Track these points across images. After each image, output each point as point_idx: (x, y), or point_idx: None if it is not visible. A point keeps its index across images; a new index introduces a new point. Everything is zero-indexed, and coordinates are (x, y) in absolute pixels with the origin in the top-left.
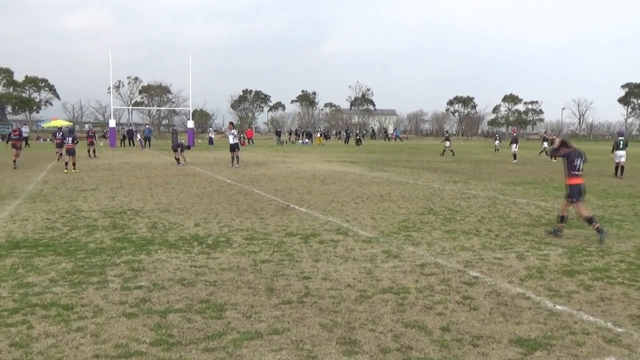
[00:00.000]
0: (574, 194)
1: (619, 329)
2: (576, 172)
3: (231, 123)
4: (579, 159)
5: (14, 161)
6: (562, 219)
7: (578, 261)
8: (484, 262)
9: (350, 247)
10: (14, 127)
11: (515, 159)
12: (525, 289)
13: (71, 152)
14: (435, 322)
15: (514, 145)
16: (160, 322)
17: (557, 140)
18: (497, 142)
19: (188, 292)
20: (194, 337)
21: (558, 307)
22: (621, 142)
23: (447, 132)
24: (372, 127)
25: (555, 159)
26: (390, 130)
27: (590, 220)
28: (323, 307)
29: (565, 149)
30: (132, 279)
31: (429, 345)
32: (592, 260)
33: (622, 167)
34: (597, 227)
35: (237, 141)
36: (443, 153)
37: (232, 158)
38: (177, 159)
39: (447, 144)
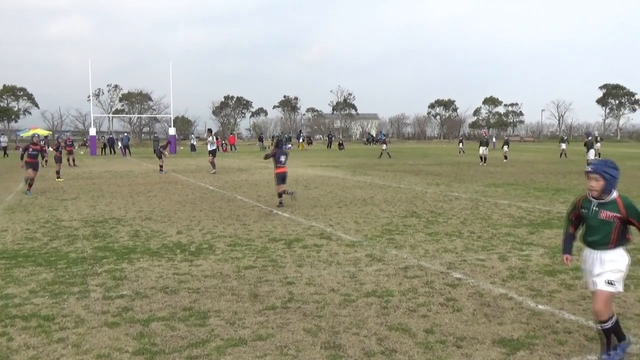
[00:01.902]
0: (279, 179)
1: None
2: (281, 165)
3: (209, 130)
4: (283, 156)
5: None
6: (280, 195)
7: (559, 261)
8: (467, 264)
9: (333, 251)
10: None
11: (483, 161)
12: (507, 290)
13: (58, 160)
14: (419, 324)
15: (484, 148)
16: (143, 331)
17: (273, 147)
18: (460, 144)
19: (171, 300)
20: (177, 345)
21: (540, 306)
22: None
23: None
24: (369, 133)
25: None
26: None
27: (280, 195)
28: (307, 312)
29: (275, 149)
30: (114, 288)
31: (413, 348)
32: (573, 259)
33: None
34: (287, 192)
35: (214, 147)
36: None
37: (210, 163)
38: (161, 166)
39: (483, 150)
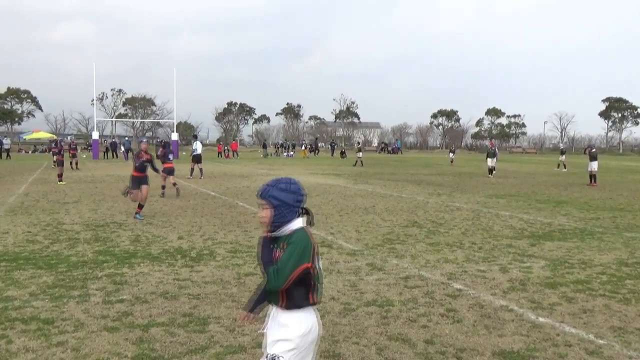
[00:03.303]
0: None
1: (600, 341)
2: (168, 161)
3: (195, 136)
4: (171, 154)
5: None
6: (163, 187)
7: (560, 273)
8: (468, 275)
9: (334, 259)
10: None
11: (491, 173)
12: (508, 301)
13: (60, 164)
14: (419, 334)
15: (492, 159)
16: (143, 336)
17: (161, 149)
18: (451, 154)
19: (171, 306)
20: (176, 351)
21: (541, 319)
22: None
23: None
24: (382, 141)
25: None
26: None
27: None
28: None
29: (164, 150)
30: (114, 292)
31: (412, 358)
32: (574, 272)
33: (594, 176)
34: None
35: (198, 153)
36: (558, 166)
37: (199, 170)
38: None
39: (562, 157)
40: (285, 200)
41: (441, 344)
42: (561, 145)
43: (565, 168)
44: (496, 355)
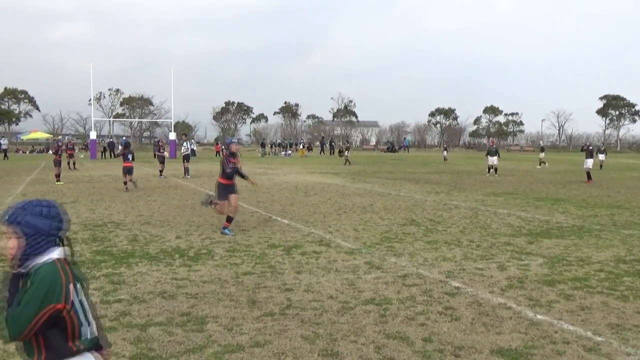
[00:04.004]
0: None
1: (598, 338)
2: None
3: (184, 134)
4: (130, 154)
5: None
6: (125, 182)
7: (558, 271)
8: (466, 273)
9: (332, 258)
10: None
11: (494, 171)
12: (506, 299)
13: (58, 165)
14: (417, 333)
15: (493, 157)
16: (140, 335)
17: (122, 148)
18: (445, 152)
19: (169, 305)
20: (174, 351)
21: (539, 316)
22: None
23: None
24: (390, 141)
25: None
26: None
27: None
28: (305, 319)
29: (124, 150)
30: (111, 292)
31: (411, 356)
32: (572, 269)
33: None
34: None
35: (187, 152)
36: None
37: (185, 168)
38: (161, 171)
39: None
40: (41, 227)
41: (439, 342)
42: (541, 143)
43: (543, 164)
44: (494, 352)
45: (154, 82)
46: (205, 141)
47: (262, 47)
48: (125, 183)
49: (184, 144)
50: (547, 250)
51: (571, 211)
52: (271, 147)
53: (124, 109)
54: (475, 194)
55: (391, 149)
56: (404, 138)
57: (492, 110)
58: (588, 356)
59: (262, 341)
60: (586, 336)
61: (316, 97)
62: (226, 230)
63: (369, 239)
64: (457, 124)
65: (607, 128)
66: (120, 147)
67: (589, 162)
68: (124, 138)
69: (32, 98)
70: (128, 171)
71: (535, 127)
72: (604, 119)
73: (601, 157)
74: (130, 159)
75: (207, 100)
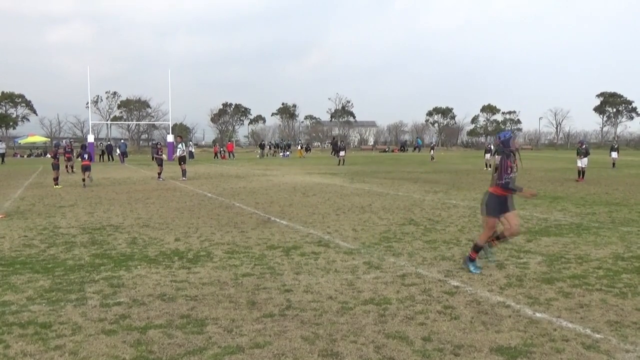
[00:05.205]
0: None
1: (597, 335)
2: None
3: (179, 136)
4: (86, 154)
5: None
6: (83, 179)
7: (557, 269)
8: (465, 272)
9: (331, 259)
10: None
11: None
12: (505, 298)
13: (56, 167)
14: (417, 332)
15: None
16: (140, 338)
17: (80, 149)
18: (432, 151)
19: (168, 308)
20: (174, 353)
21: (538, 314)
22: (582, 150)
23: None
24: (403, 140)
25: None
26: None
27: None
28: (305, 320)
29: (81, 150)
30: (111, 295)
31: (410, 356)
32: (571, 267)
33: (583, 172)
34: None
35: (183, 154)
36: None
37: (182, 170)
38: (159, 173)
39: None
40: None
41: (439, 341)
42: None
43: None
44: (494, 351)
45: (151, 84)
46: (203, 143)
47: (259, 49)
48: (83, 180)
49: (179, 145)
50: (546, 248)
51: (569, 209)
52: (269, 148)
53: (121, 112)
54: (474, 193)
55: (403, 148)
56: (417, 138)
57: (489, 109)
58: (587, 353)
59: (262, 342)
60: (585, 333)
61: (314, 98)
62: (473, 270)
63: (367, 239)
64: (455, 123)
65: (605, 125)
66: (118, 150)
67: (584, 161)
68: (122, 141)
69: (29, 102)
70: (86, 168)
71: (533, 125)
72: (601, 116)
73: (614, 154)
74: (87, 158)
75: (205, 102)
